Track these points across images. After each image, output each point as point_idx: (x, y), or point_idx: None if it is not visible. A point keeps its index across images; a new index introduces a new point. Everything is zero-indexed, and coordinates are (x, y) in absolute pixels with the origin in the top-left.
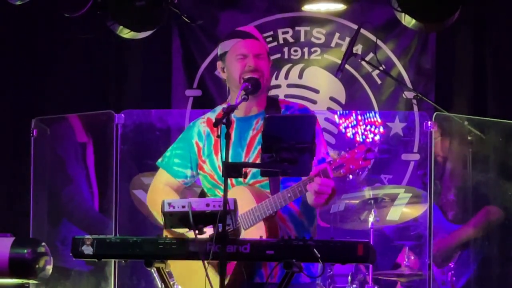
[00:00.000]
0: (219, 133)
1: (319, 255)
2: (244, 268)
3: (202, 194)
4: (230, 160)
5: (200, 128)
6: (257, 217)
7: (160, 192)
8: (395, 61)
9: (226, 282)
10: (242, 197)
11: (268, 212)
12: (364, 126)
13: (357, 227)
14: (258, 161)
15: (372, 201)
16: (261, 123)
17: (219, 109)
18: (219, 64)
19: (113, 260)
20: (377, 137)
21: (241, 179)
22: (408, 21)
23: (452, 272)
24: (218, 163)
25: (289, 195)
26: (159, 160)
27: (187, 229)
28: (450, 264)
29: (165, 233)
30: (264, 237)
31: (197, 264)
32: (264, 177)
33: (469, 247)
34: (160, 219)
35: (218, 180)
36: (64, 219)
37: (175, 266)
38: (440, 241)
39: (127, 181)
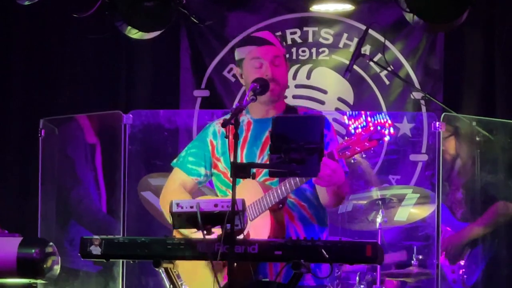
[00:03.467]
0: (227, 134)
1: (327, 256)
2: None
3: None
4: (244, 159)
5: (215, 128)
6: (263, 207)
7: (174, 192)
8: (403, 62)
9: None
10: (250, 188)
11: (274, 201)
12: (373, 127)
13: (365, 228)
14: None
15: (380, 202)
16: None
17: None
18: (237, 70)
19: (121, 261)
20: (386, 138)
21: None
22: (416, 21)
23: (463, 270)
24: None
25: (294, 181)
26: (174, 161)
27: (195, 230)
28: (461, 261)
29: (174, 233)
30: (269, 228)
31: (201, 263)
32: (273, 177)
33: (480, 244)
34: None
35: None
36: (73, 221)
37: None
38: (451, 237)
39: (135, 182)
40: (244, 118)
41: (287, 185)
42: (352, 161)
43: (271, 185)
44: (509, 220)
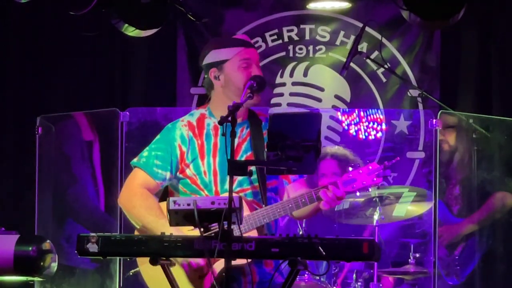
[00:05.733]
0: (224, 132)
1: (324, 253)
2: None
3: (164, 195)
4: (218, 167)
5: (182, 132)
6: (250, 225)
7: (136, 196)
8: (400, 59)
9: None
10: None
11: (265, 221)
12: (367, 123)
13: (362, 223)
14: None
15: (377, 199)
16: (245, 131)
17: (197, 113)
18: (213, 71)
19: (118, 258)
20: (379, 134)
21: (226, 188)
22: (413, 19)
23: (457, 262)
24: (204, 168)
25: (290, 205)
26: (135, 160)
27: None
28: (455, 254)
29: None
30: None
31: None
32: (270, 175)
33: (474, 237)
34: (135, 223)
35: (200, 185)
36: (69, 218)
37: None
38: (448, 227)
39: None
40: (210, 122)
41: (282, 209)
42: (358, 194)
43: (245, 196)
44: (506, 213)
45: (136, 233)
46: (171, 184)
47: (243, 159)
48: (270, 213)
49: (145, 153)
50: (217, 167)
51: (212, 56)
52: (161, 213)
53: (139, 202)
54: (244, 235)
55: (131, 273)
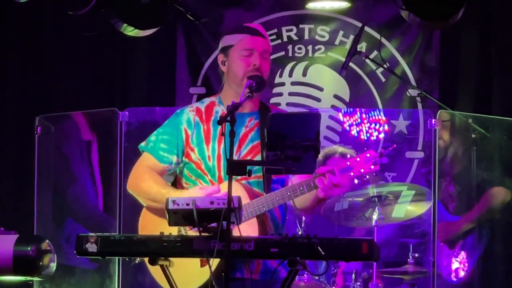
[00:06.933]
0: (223, 131)
1: (323, 253)
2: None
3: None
4: (222, 153)
5: (189, 116)
6: (250, 213)
7: (144, 174)
8: (399, 59)
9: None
10: (235, 192)
11: (264, 209)
12: (369, 124)
13: (362, 225)
14: (249, 157)
15: (376, 199)
16: (254, 122)
17: (207, 101)
18: (220, 56)
19: (117, 258)
20: (381, 135)
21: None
22: (412, 19)
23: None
24: (208, 153)
25: (288, 193)
26: (142, 144)
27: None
28: (454, 253)
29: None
30: (257, 233)
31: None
32: (268, 174)
33: (472, 234)
34: (143, 200)
35: (205, 170)
36: (69, 218)
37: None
38: (445, 226)
39: None
40: (218, 109)
41: (281, 196)
42: (356, 182)
43: (249, 185)
44: (502, 209)
45: (143, 211)
46: (179, 168)
47: (248, 148)
48: (269, 201)
49: (152, 137)
50: (222, 153)
51: (223, 41)
52: (171, 187)
53: (149, 177)
54: (243, 223)
55: (137, 261)
